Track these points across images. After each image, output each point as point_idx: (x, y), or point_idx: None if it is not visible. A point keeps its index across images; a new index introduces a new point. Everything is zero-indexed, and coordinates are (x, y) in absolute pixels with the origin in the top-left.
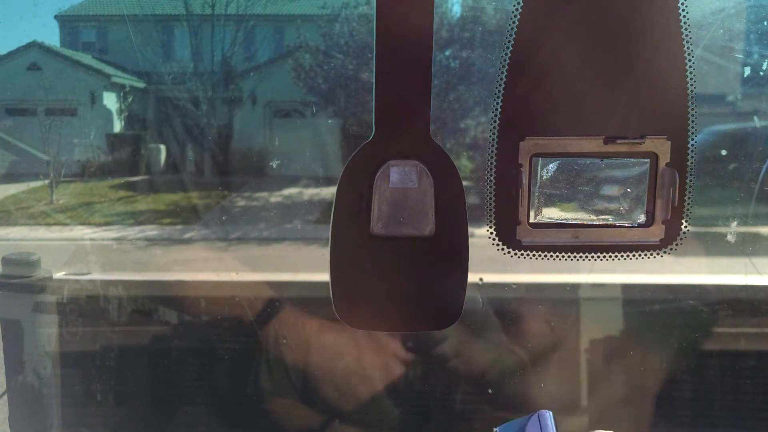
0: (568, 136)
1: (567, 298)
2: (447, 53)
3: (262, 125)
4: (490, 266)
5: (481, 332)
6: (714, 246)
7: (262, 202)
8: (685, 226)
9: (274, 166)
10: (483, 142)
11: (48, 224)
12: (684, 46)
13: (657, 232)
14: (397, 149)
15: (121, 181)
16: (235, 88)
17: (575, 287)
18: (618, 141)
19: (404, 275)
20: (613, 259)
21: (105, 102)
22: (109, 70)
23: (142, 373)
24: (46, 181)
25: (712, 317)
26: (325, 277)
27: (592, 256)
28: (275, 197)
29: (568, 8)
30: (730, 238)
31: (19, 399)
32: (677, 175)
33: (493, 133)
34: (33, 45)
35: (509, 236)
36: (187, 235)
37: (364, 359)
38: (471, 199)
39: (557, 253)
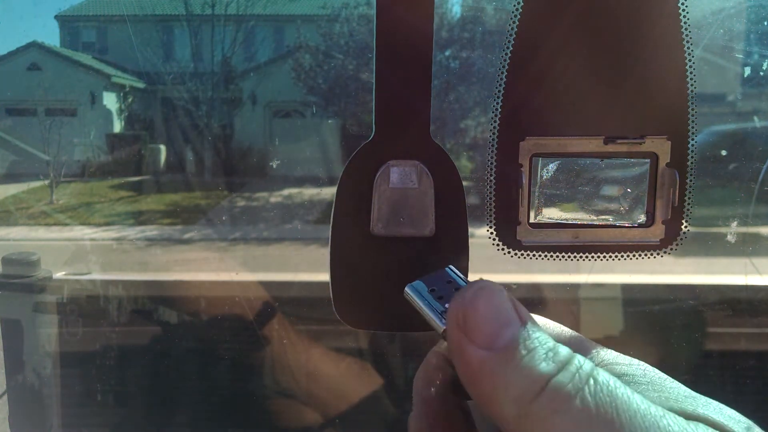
0: (568, 136)
1: (567, 298)
2: (447, 53)
3: (262, 125)
4: (490, 266)
5: None
6: (714, 246)
7: (262, 202)
8: (686, 227)
9: (274, 166)
10: (483, 142)
11: (48, 224)
12: (684, 46)
13: (657, 232)
14: (397, 149)
15: (121, 181)
16: (235, 88)
17: (575, 287)
18: (618, 141)
19: (404, 275)
20: (613, 259)
21: (105, 102)
22: (109, 70)
23: (142, 373)
24: (46, 181)
25: (712, 317)
26: (325, 277)
27: (592, 256)
28: (275, 197)
29: (568, 8)
30: (730, 238)
31: (19, 399)
32: (677, 175)
33: (493, 133)
34: (33, 45)
35: (509, 236)
36: (187, 235)
37: (364, 359)
38: (471, 199)
39: (557, 253)
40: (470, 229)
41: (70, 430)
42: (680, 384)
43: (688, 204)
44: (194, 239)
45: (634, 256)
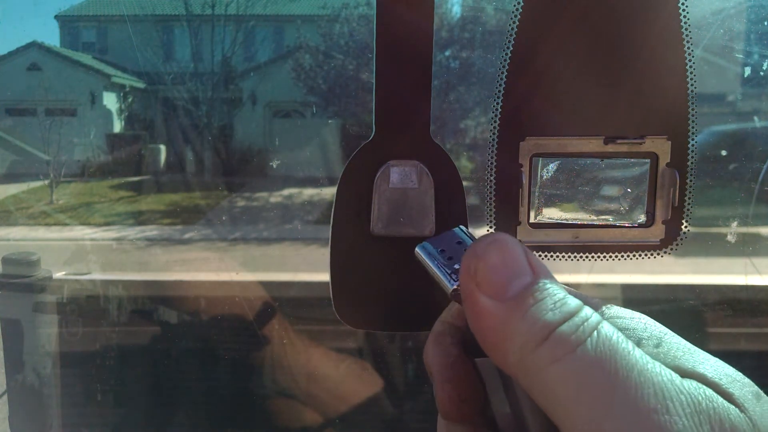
0: (568, 136)
1: None
2: (447, 53)
3: (262, 125)
4: None
5: None
6: (714, 246)
7: (262, 202)
8: (686, 227)
9: (274, 166)
10: (483, 142)
11: (48, 224)
12: (684, 46)
13: (657, 232)
14: (397, 149)
15: (121, 181)
16: (235, 88)
17: (575, 287)
18: (618, 141)
19: (404, 275)
20: (613, 259)
21: (105, 102)
22: (109, 70)
23: (142, 373)
24: (46, 181)
25: (712, 317)
26: (325, 277)
27: (592, 256)
28: (275, 197)
29: (568, 8)
30: (730, 238)
31: (19, 399)
32: (677, 175)
33: (493, 133)
34: (33, 45)
35: None
36: (187, 235)
37: (364, 359)
38: (471, 199)
39: (557, 253)
40: (470, 229)
41: (70, 430)
42: (681, 339)
43: (688, 204)
44: (194, 239)
45: (634, 256)
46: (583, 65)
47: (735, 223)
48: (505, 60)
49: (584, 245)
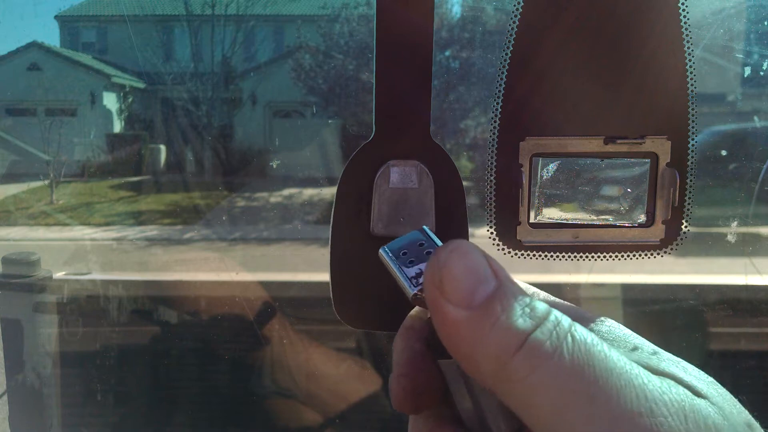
0: (568, 136)
1: (567, 298)
2: (447, 53)
3: (262, 125)
4: None
5: None
6: (714, 246)
7: (262, 202)
8: (686, 227)
9: (274, 166)
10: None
11: (48, 224)
12: (684, 46)
13: (657, 232)
14: (397, 149)
15: (121, 181)
16: (235, 88)
17: (575, 287)
18: (618, 141)
19: None
20: (613, 259)
21: (105, 102)
22: (109, 70)
23: (142, 373)
24: (46, 181)
25: (712, 317)
26: (325, 277)
27: (592, 256)
28: (275, 197)
29: (568, 8)
30: (730, 238)
31: (19, 399)
32: (677, 175)
33: (493, 133)
34: (33, 45)
35: (509, 236)
36: (187, 235)
37: (364, 359)
38: (471, 199)
39: (557, 253)
40: (470, 229)
41: (70, 430)
42: (644, 339)
43: (688, 204)
44: (194, 239)
45: (634, 256)
46: (583, 65)
47: (735, 223)
48: (505, 60)
49: (584, 245)
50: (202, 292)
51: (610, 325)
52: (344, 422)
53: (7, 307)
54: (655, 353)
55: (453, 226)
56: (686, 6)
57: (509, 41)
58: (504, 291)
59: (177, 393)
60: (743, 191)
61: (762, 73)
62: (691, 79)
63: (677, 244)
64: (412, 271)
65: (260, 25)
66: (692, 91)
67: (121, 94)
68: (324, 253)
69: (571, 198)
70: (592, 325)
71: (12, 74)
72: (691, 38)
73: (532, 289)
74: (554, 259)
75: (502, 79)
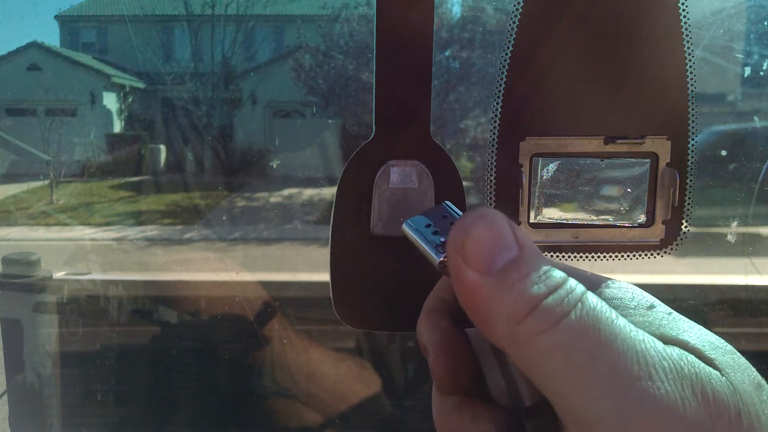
0: (568, 136)
1: None
2: (447, 53)
3: (262, 125)
4: None
5: None
6: (714, 246)
7: (262, 202)
8: (686, 227)
9: (274, 166)
10: (483, 142)
11: (48, 224)
12: (684, 46)
13: (657, 232)
14: (397, 149)
15: (121, 181)
16: (235, 88)
17: None
18: (618, 141)
19: (404, 275)
20: (613, 259)
21: (105, 102)
22: (109, 70)
23: (142, 373)
24: (46, 181)
25: (712, 317)
26: (325, 277)
27: (592, 256)
28: (275, 197)
29: (568, 8)
30: (730, 238)
31: (19, 399)
32: (677, 175)
33: (493, 133)
34: (33, 45)
35: None
36: (187, 235)
37: (364, 359)
38: (471, 199)
39: (557, 253)
40: None
41: (70, 430)
42: (667, 307)
43: (688, 204)
44: (194, 239)
45: (634, 256)
46: (583, 65)
47: (735, 223)
48: (505, 60)
49: (584, 245)
50: (202, 292)
51: (633, 292)
52: (344, 422)
53: (7, 307)
54: (670, 314)
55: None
56: (686, 6)
57: (509, 41)
58: (524, 259)
59: (177, 393)
60: (743, 191)
61: (762, 73)
62: (691, 79)
63: (677, 244)
64: (437, 240)
65: (260, 25)
66: (692, 91)
67: (121, 94)
68: (324, 253)
69: (571, 198)
70: (609, 291)
71: (12, 74)
72: (691, 38)
73: (560, 263)
74: (554, 259)
75: (502, 79)
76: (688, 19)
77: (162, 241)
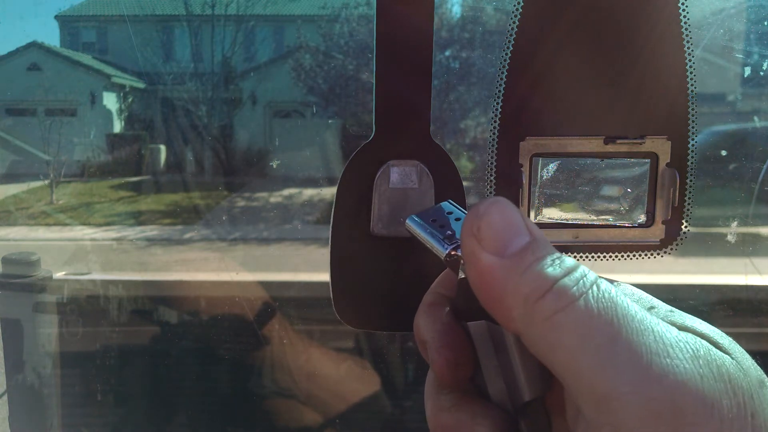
0: (568, 136)
1: None
2: (447, 53)
3: (262, 125)
4: None
5: None
6: (714, 246)
7: (262, 202)
8: (686, 227)
9: (274, 166)
10: (483, 142)
11: (48, 224)
12: (684, 46)
13: (657, 232)
14: (397, 149)
15: (121, 181)
16: (235, 88)
17: None
18: (618, 141)
19: (404, 275)
20: (613, 259)
21: (105, 102)
22: (109, 70)
23: (142, 373)
24: (46, 181)
25: (712, 317)
26: (325, 277)
27: (592, 256)
28: (275, 197)
29: (568, 8)
30: (730, 238)
31: (19, 399)
32: (677, 175)
33: (493, 133)
34: (33, 45)
35: None
36: (187, 235)
37: (364, 359)
38: (471, 199)
39: None
40: None
41: (70, 430)
42: (667, 304)
43: (688, 204)
44: (194, 239)
45: (634, 256)
46: (583, 65)
47: (735, 223)
48: (505, 60)
49: (584, 245)
50: (202, 292)
51: (632, 289)
52: (344, 422)
53: (7, 307)
54: (671, 311)
55: None
56: (686, 6)
57: (509, 41)
58: (537, 244)
59: (177, 393)
60: (743, 191)
61: (762, 73)
62: (691, 79)
63: (677, 244)
64: (443, 234)
65: (260, 25)
66: (692, 91)
67: (121, 94)
68: (324, 253)
69: (571, 198)
70: (617, 288)
71: (12, 74)
72: (691, 38)
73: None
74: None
75: (502, 79)
76: (688, 19)
77: (162, 241)
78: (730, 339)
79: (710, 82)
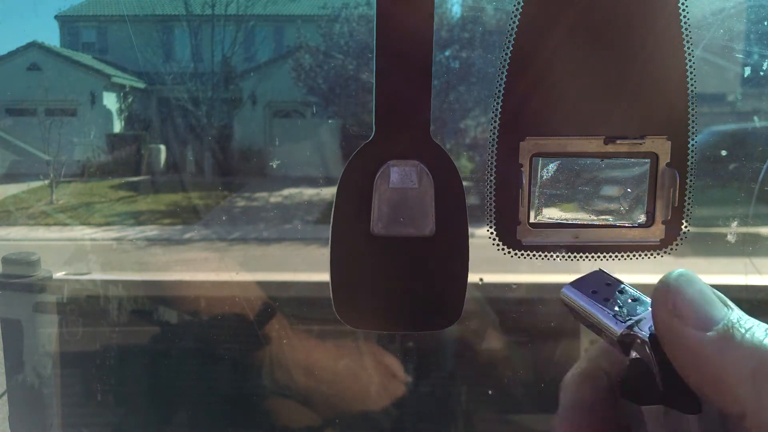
0: (568, 136)
1: None
2: (447, 53)
3: (262, 125)
4: (490, 266)
5: (481, 333)
6: (714, 246)
7: (262, 202)
8: (686, 226)
9: (274, 166)
10: (483, 142)
11: (48, 224)
12: (684, 46)
13: (657, 232)
14: (397, 149)
15: (121, 181)
16: (235, 88)
17: None
18: (618, 141)
19: (404, 275)
20: (613, 259)
21: (105, 102)
22: (109, 70)
23: (142, 373)
24: (46, 181)
25: None
26: (325, 277)
27: (592, 256)
28: (275, 197)
29: (568, 8)
30: (730, 238)
31: (19, 399)
32: (677, 175)
33: (493, 133)
34: (33, 45)
35: (509, 236)
36: (187, 235)
37: (364, 359)
38: (471, 199)
39: (557, 253)
40: (470, 229)
41: (70, 430)
42: None
43: (688, 204)
44: (194, 239)
45: (634, 256)
46: (583, 65)
47: (735, 223)
48: (505, 60)
49: (584, 245)
50: (202, 292)
51: None
52: (344, 422)
53: (7, 307)
54: None
55: (453, 227)
56: (686, 6)
57: (509, 41)
58: (738, 313)
59: (177, 393)
60: (743, 191)
61: (762, 73)
62: (691, 79)
63: (677, 244)
64: (612, 309)
65: (260, 25)
66: (692, 91)
67: (121, 94)
68: (324, 253)
69: (571, 198)
70: None
71: (12, 74)
72: (691, 38)
73: None
74: (554, 259)
75: (502, 79)
76: (688, 19)
77: (162, 241)
78: None
79: (710, 82)
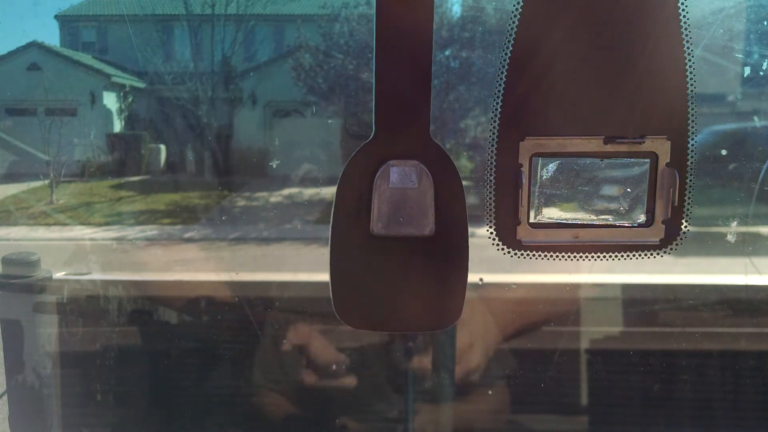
0: (568, 136)
1: (567, 298)
2: (447, 53)
3: (262, 125)
4: (491, 266)
5: (481, 332)
6: (714, 246)
7: (262, 202)
8: (685, 226)
9: (274, 166)
10: (483, 142)
11: (48, 224)
12: (684, 46)
13: (657, 232)
14: (397, 149)
15: (121, 181)
16: (235, 88)
17: (575, 287)
18: (618, 141)
19: (404, 275)
20: (613, 259)
21: (105, 102)
22: (109, 70)
23: (142, 373)
24: (46, 181)
25: (712, 317)
26: (325, 277)
27: (592, 256)
28: (275, 197)
29: (568, 9)
30: (730, 238)
31: (19, 399)
32: (677, 175)
33: (493, 133)
34: (33, 45)
35: (509, 236)
36: (187, 235)
37: (363, 359)
38: (471, 199)
39: (557, 253)
40: (470, 229)
41: (70, 430)
42: None
43: (688, 204)
44: (194, 239)
45: (634, 255)
46: (582, 65)
47: (735, 223)
48: (505, 60)
49: (584, 245)
50: (202, 292)
51: None
52: (344, 422)
53: (7, 307)
54: None
55: (453, 227)
56: (686, 6)
57: (509, 41)
58: None
59: (176, 393)
60: (743, 191)
61: (762, 73)
62: (691, 79)
63: (677, 244)
64: None
65: (260, 25)
66: (692, 91)
67: (121, 94)
68: (324, 253)
69: (571, 198)
70: None
71: (12, 74)
72: (691, 38)
73: None
74: (554, 259)
75: (502, 79)
76: (688, 19)
77: (162, 241)
78: None
79: (710, 82)
